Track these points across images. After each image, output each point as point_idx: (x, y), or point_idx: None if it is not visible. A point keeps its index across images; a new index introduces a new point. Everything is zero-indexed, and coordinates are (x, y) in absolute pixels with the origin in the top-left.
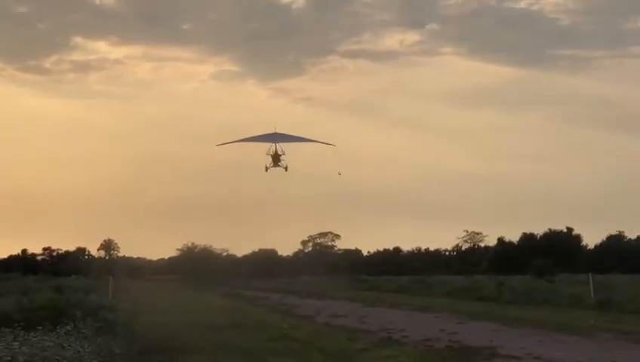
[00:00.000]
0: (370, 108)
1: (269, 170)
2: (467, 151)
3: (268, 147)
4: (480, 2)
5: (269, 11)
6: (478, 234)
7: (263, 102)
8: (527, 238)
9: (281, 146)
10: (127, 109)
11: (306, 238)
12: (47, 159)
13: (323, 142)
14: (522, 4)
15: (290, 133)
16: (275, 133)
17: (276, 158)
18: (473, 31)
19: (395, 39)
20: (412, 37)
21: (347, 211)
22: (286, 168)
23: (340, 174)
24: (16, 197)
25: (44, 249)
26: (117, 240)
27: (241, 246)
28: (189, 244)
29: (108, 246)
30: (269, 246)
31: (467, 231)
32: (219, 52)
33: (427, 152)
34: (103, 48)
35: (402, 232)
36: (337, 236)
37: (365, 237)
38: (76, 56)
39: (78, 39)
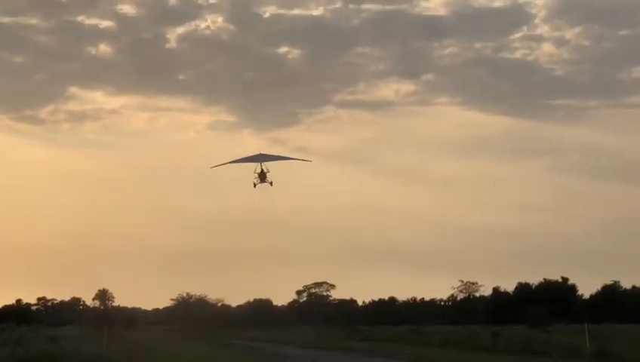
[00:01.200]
0: (365, 157)
1: (257, 186)
2: (462, 201)
3: (254, 166)
4: (475, 52)
5: (264, 62)
6: (473, 283)
7: (258, 152)
8: (523, 288)
9: (266, 165)
10: (123, 159)
11: (301, 288)
12: (43, 208)
13: (300, 159)
14: (517, 55)
15: (279, 155)
16: (260, 154)
17: (262, 176)
18: (468, 81)
19: (390, 89)
20: (407, 87)
21: (342, 261)
22: (271, 183)
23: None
24: (12, 247)
25: (39, 299)
26: (112, 289)
27: (236, 296)
28: (184, 294)
29: (103, 295)
30: (263, 296)
31: (462, 281)
32: (215, 102)
33: (422, 202)
34: (99, 98)
35: (397, 282)
36: (332, 286)
37: (360, 287)
38: (72, 106)
39: (74, 89)
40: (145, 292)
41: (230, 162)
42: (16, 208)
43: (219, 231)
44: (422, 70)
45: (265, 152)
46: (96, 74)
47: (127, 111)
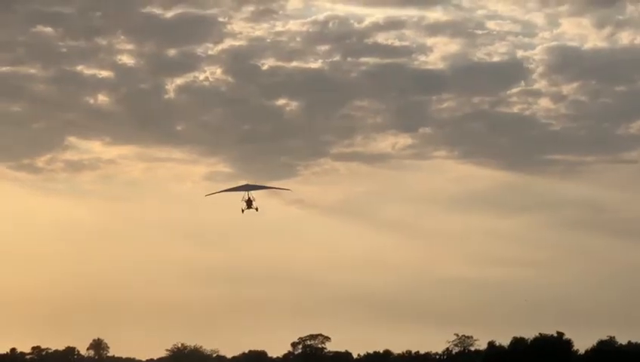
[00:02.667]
0: (361, 210)
1: (244, 212)
2: (458, 255)
3: (242, 195)
4: (473, 107)
5: (262, 114)
6: (468, 337)
7: (256, 203)
8: (518, 342)
9: (251, 194)
10: (120, 209)
11: (296, 340)
12: (38, 257)
13: (280, 188)
14: (515, 109)
15: (260, 184)
16: (247, 185)
17: (249, 202)
18: (466, 135)
19: (387, 142)
20: (405, 140)
21: (338, 313)
22: (257, 209)
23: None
24: (7, 295)
25: (33, 348)
26: (106, 339)
27: (231, 347)
28: (179, 345)
29: (97, 345)
30: (259, 348)
31: (457, 335)
32: (212, 153)
33: (418, 255)
34: (96, 148)
35: (392, 335)
36: (327, 338)
37: (356, 340)
38: (70, 156)
39: (72, 138)
40: (140, 342)
41: (222, 191)
42: (11, 256)
43: (215, 282)
44: (419, 123)
45: (251, 183)
46: (95, 123)
47: (125, 161)
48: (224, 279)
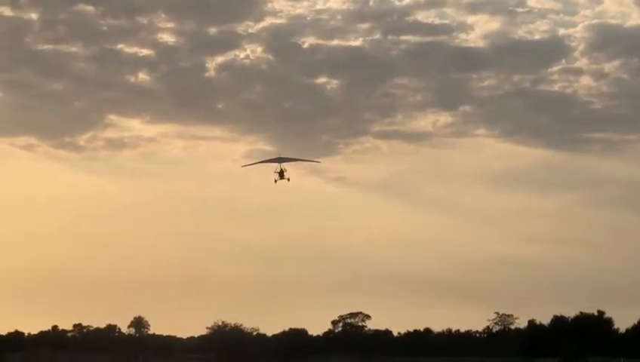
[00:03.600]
0: (402, 188)
1: (277, 182)
2: (499, 233)
3: (275, 166)
4: (513, 85)
5: (303, 91)
6: (509, 316)
7: (296, 182)
8: (558, 321)
9: (284, 165)
10: (160, 187)
11: (336, 318)
12: (79, 236)
13: (309, 160)
14: (556, 87)
15: (295, 157)
16: (280, 157)
17: (281, 174)
18: (506, 113)
19: (428, 120)
20: (445, 118)
21: (378, 291)
22: (288, 179)
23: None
24: (49, 274)
25: (75, 325)
26: (147, 317)
27: (271, 325)
28: (220, 323)
29: (138, 323)
30: (299, 326)
31: (498, 313)
32: (252, 131)
33: (459, 234)
34: (136, 126)
35: (433, 313)
36: (368, 316)
37: (396, 318)
38: (110, 134)
39: (112, 117)
40: (180, 319)
41: (258, 162)
42: (53, 234)
43: (255, 260)
44: (460, 102)
45: (284, 156)
46: (135, 102)
47: (165, 139)
48: (264, 257)
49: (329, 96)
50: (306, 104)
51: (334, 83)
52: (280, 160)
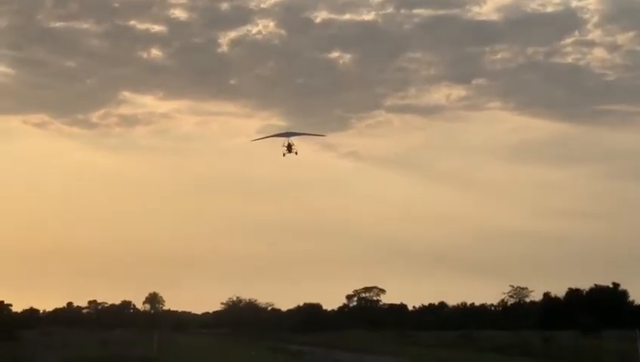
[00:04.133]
0: (416, 163)
1: (285, 155)
2: (513, 207)
3: (283, 140)
4: (527, 57)
5: (316, 66)
6: (523, 289)
7: (309, 157)
8: (573, 294)
9: (292, 139)
10: (174, 164)
11: (351, 292)
12: (93, 212)
13: (314, 134)
14: (569, 59)
15: (302, 132)
16: (288, 132)
17: (289, 147)
18: (520, 86)
19: (441, 94)
20: (458, 92)
21: (392, 266)
22: (296, 153)
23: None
24: (63, 251)
25: (90, 302)
26: (162, 293)
27: (286, 300)
28: (234, 298)
29: (153, 299)
30: (314, 301)
31: (513, 286)
32: (266, 107)
33: (473, 208)
34: (150, 102)
35: (447, 287)
36: (382, 291)
37: (410, 292)
38: (123, 110)
39: (125, 93)
40: (195, 296)
41: (267, 137)
42: (67, 212)
43: (268, 235)
44: (473, 75)
45: (292, 130)
46: (148, 78)
47: (178, 115)
48: (278, 232)
49: (342, 71)
50: (319, 79)
51: (347, 57)
52: (288, 134)
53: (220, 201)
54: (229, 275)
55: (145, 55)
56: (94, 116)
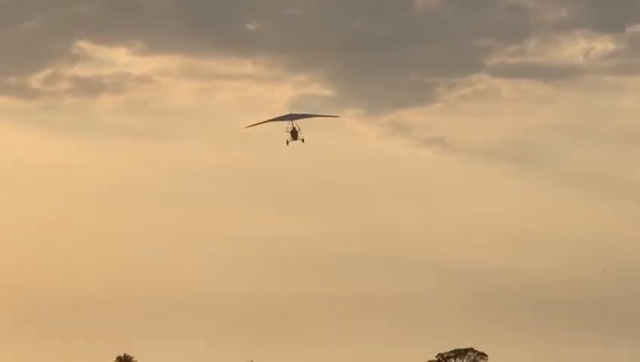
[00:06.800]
0: (536, 155)
1: (289, 144)
2: None
3: (286, 125)
4: None
5: (380, 5)
6: None
7: (372, 147)
8: None
9: (297, 123)
10: (157, 155)
11: (434, 358)
12: (31, 233)
13: (326, 115)
14: None
15: (309, 113)
16: (291, 114)
17: (294, 133)
18: None
19: (576, 49)
20: (603, 45)
21: (497, 317)
22: (303, 140)
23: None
24: None
25: None
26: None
27: None
28: None
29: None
30: None
31: None
32: (302, 66)
33: (627, 225)
34: (121, 58)
35: (577, 350)
36: (483, 355)
37: (521, 358)
38: (80, 71)
39: (82, 44)
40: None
41: (265, 121)
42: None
43: (308, 268)
44: (626, 20)
45: (296, 112)
46: (118, 20)
47: (165, 78)
48: (323, 262)
49: (421, 11)
50: (385, 24)
51: None
52: (291, 117)
53: (231, 214)
54: (244, 329)
55: None
56: (35, 79)
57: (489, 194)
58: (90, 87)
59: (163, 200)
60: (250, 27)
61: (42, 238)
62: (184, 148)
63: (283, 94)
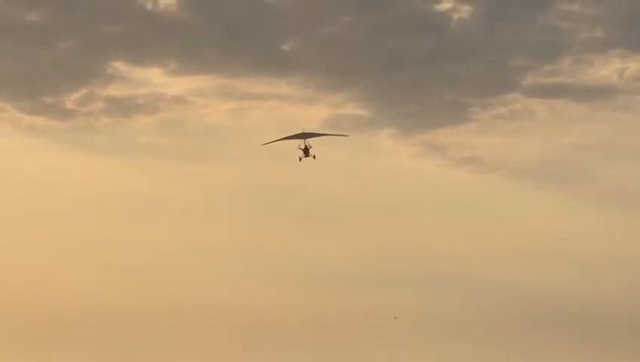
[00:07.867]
0: (571, 173)
1: (301, 160)
2: None
3: (299, 143)
4: None
5: (416, 24)
6: None
7: (405, 166)
8: None
9: (309, 142)
10: (191, 174)
11: None
12: (67, 250)
13: (335, 134)
14: None
15: (320, 132)
16: (303, 133)
17: (306, 151)
18: None
19: (611, 68)
20: (637, 65)
21: (548, 339)
22: (314, 157)
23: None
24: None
25: None
26: None
27: None
28: None
29: None
30: None
31: None
32: (337, 86)
33: None
34: (155, 79)
35: None
36: None
37: None
38: (115, 91)
39: (117, 64)
40: None
41: (279, 140)
42: (23, 248)
43: (343, 287)
44: None
45: (307, 131)
46: (153, 40)
47: (199, 99)
48: (358, 281)
49: (457, 31)
50: (420, 43)
51: (465, 10)
52: (304, 135)
53: (266, 232)
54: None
55: (149, 5)
56: (69, 100)
57: (524, 213)
58: (124, 108)
59: (198, 219)
60: (285, 47)
61: (77, 257)
62: (219, 168)
63: (317, 114)
